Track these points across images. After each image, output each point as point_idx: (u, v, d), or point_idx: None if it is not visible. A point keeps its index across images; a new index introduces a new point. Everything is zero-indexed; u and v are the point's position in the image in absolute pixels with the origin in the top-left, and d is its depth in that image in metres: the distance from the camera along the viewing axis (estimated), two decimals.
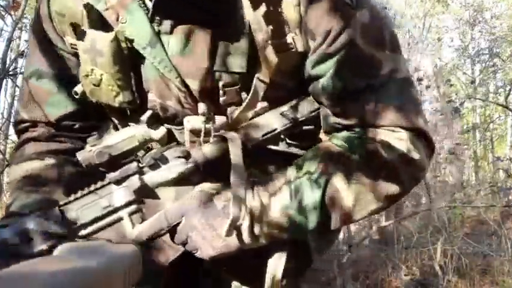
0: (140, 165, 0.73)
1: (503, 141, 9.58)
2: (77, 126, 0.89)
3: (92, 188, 0.71)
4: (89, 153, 0.69)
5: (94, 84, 0.78)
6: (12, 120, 0.92)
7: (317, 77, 0.77)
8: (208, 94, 0.78)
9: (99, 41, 0.75)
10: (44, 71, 0.86)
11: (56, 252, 0.44)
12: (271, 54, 0.73)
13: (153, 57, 0.75)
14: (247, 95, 0.76)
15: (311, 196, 0.72)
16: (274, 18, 0.73)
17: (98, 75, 0.76)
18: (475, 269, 3.66)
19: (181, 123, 0.81)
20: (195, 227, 0.72)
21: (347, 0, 0.73)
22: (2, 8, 2.56)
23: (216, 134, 0.77)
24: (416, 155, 0.75)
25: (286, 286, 0.81)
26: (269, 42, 0.73)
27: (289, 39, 0.75)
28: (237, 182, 0.70)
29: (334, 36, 0.73)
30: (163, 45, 0.75)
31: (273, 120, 0.80)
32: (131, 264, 0.47)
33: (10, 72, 2.72)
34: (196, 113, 0.79)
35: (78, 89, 0.83)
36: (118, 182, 0.72)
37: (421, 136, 0.77)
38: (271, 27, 0.73)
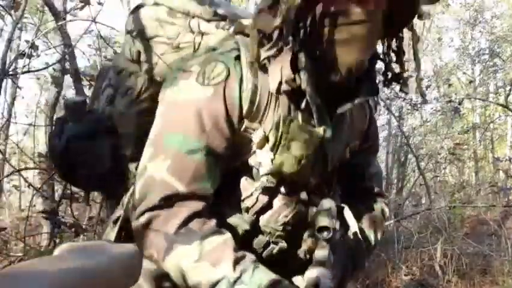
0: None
1: (503, 141, 9.59)
2: (211, 199, 0.94)
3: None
4: (331, 220, 0.93)
5: (303, 167, 0.93)
6: (163, 195, 0.91)
7: (363, 165, 1.19)
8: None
9: (314, 133, 0.94)
10: (212, 148, 0.90)
11: (56, 252, 0.44)
12: (347, 152, 1.09)
13: (330, 146, 0.99)
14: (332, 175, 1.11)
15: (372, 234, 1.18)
16: (354, 127, 1.09)
17: (308, 159, 0.93)
18: (475, 269, 3.67)
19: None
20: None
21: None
22: (2, 8, 2.56)
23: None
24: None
25: None
26: (349, 144, 1.08)
27: (356, 142, 1.11)
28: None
29: (376, 143, 1.23)
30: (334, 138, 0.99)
31: None
32: (132, 264, 0.47)
33: (10, 72, 2.72)
34: (317, 192, 1.03)
35: (271, 167, 0.94)
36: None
37: None
38: (354, 133, 1.09)
